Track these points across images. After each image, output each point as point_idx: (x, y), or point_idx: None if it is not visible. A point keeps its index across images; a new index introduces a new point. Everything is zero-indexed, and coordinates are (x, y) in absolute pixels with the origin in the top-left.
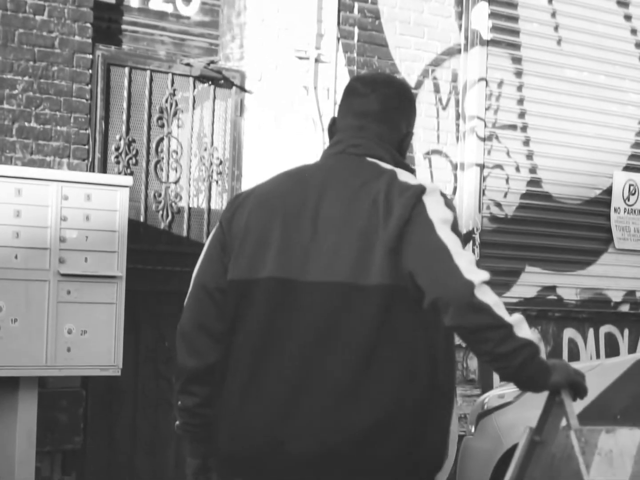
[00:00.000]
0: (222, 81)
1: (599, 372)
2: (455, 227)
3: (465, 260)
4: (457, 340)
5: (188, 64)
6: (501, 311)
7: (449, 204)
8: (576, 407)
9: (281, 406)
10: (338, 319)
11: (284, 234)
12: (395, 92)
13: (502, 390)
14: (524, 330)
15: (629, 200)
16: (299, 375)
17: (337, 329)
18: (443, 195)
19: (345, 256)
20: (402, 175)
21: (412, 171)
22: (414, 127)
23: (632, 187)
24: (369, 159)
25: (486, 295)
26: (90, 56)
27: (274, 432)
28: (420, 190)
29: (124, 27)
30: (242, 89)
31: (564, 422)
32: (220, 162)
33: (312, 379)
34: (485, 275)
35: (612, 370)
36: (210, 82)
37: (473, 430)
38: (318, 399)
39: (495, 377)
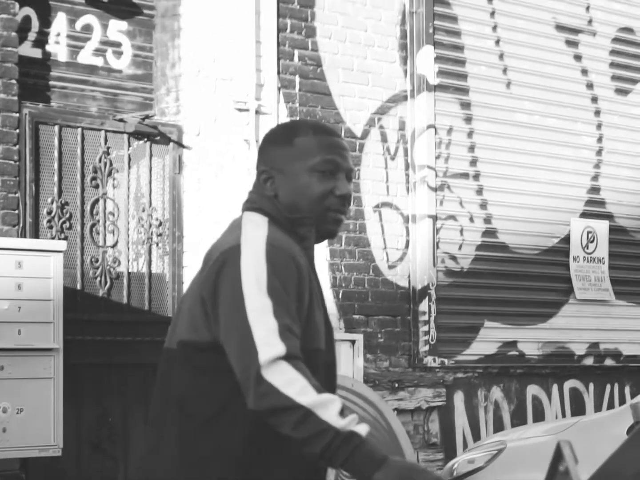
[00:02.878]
0: (159, 137)
1: (581, 429)
2: (273, 286)
3: (264, 330)
4: (417, 403)
5: (121, 120)
6: (292, 390)
7: (271, 258)
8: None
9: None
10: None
11: None
12: (263, 139)
13: (472, 455)
14: (328, 412)
15: (587, 247)
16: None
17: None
18: (270, 246)
19: (180, 317)
20: (244, 227)
21: (295, 220)
22: (287, 164)
23: (590, 234)
24: (246, 212)
25: (276, 374)
26: (17, 114)
27: None
28: (236, 245)
29: (51, 82)
30: (179, 144)
31: None
32: (160, 223)
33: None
34: (280, 349)
35: (602, 428)
36: (145, 139)
37: None
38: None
39: (460, 440)
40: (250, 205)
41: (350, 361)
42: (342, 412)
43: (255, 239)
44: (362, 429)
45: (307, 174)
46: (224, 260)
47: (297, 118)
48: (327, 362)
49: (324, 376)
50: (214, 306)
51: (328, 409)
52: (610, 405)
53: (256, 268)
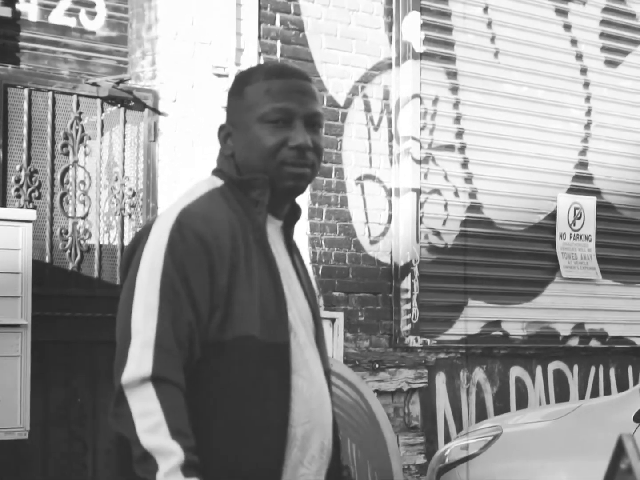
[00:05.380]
0: (133, 102)
1: (581, 415)
2: (166, 275)
3: (139, 343)
4: (398, 385)
5: (94, 84)
6: (142, 425)
7: (173, 239)
8: None
9: None
10: None
11: None
12: None
13: (465, 441)
14: (164, 464)
15: (574, 225)
16: None
17: None
18: (177, 223)
19: None
20: (183, 197)
21: (244, 182)
22: (240, 117)
23: (577, 211)
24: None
25: (136, 399)
26: None
27: None
28: (153, 220)
29: (21, 43)
30: (155, 110)
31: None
32: (133, 194)
33: None
34: (146, 369)
35: (605, 413)
36: (119, 104)
37: None
38: None
39: (441, 423)
40: (214, 168)
41: (330, 340)
42: (184, 471)
43: (169, 214)
44: None
45: (257, 126)
46: (138, 239)
47: None
48: (273, 344)
49: (260, 362)
50: None
51: (167, 460)
52: (595, 389)
53: (155, 252)
